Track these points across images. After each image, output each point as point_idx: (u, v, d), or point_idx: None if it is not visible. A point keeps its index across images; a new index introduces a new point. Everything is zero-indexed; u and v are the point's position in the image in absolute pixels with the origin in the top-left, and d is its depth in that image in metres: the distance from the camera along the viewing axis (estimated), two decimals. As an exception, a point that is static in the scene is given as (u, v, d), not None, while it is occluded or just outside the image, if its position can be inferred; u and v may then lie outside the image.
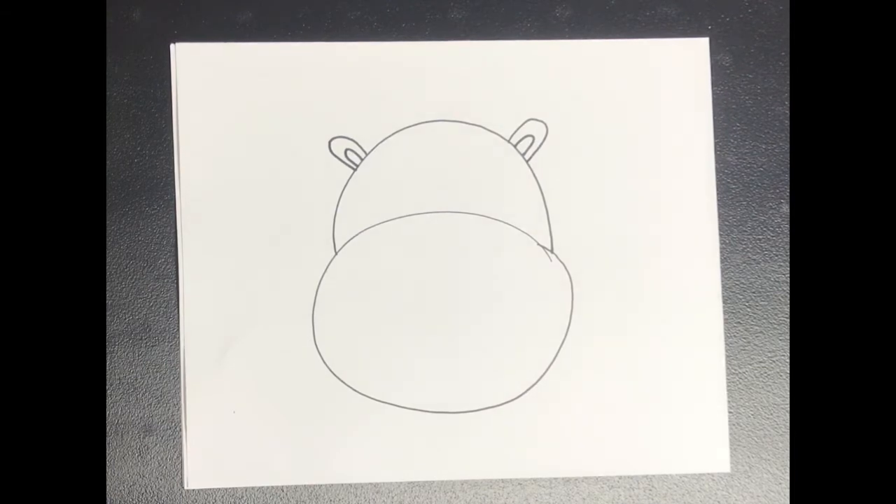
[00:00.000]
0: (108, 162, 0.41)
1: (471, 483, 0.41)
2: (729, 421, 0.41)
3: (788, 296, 0.42)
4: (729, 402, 0.41)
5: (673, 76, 0.42)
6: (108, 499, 0.40)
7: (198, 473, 0.40)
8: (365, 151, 0.41)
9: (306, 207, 0.41)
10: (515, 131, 0.42)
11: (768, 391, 0.42)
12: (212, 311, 0.40)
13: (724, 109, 0.43)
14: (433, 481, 0.41)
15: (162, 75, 0.41)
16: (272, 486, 0.40)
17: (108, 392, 0.40)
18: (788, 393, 0.41)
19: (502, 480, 0.41)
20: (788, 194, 0.42)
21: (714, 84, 0.42)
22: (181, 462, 0.40)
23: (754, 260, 0.42)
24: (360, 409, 0.40)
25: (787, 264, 0.42)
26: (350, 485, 0.40)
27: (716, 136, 0.42)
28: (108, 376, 0.40)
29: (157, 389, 0.41)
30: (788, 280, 0.42)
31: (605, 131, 0.42)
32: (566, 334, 0.41)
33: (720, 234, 0.42)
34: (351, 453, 0.40)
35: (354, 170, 0.41)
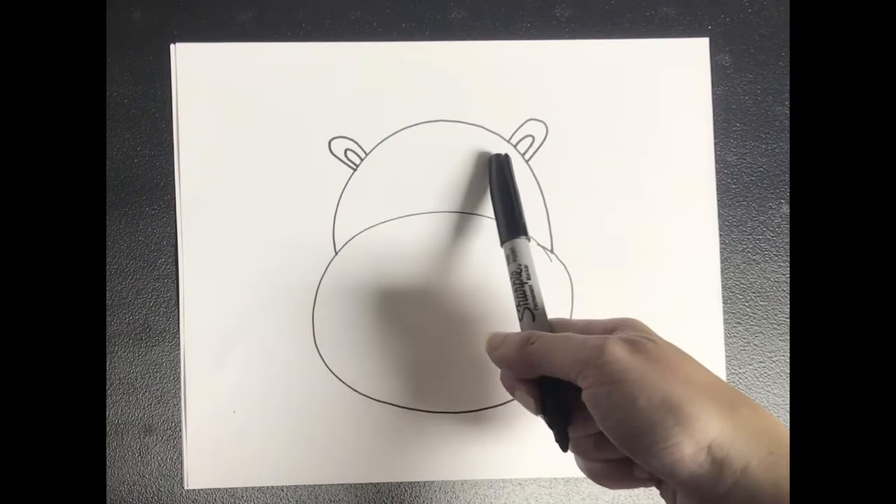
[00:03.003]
0: (108, 162, 0.41)
1: (471, 483, 0.41)
2: (729, 421, 0.41)
3: (788, 296, 0.42)
4: (729, 402, 0.41)
5: (673, 76, 0.42)
6: (108, 499, 0.40)
7: (198, 473, 0.40)
8: (365, 151, 0.41)
9: (306, 207, 0.41)
10: (515, 131, 0.42)
11: (768, 391, 0.42)
12: (212, 311, 0.41)
13: (724, 109, 0.43)
14: (433, 481, 0.41)
15: (162, 75, 0.41)
16: (272, 486, 0.40)
17: (108, 392, 0.40)
18: (788, 393, 0.41)
19: (502, 480, 0.41)
20: (788, 194, 0.42)
21: (714, 84, 0.42)
22: (181, 462, 0.40)
23: (754, 260, 0.42)
24: (360, 409, 0.40)
25: (787, 264, 0.42)
26: (350, 485, 0.40)
27: (716, 136, 0.42)
28: (108, 376, 0.40)
29: (157, 389, 0.41)
30: (788, 280, 0.42)
31: (605, 131, 0.42)
32: (566, 334, 0.41)
33: (720, 234, 0.42)
34: (351, 453, 0.40)
35: (354, 170, 0.41)
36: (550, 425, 0.32)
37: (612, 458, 0.32)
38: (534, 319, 0.35)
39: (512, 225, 0.37)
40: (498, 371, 0.34)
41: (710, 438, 0.26)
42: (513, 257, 0.36)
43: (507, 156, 0.40)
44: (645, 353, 0.28)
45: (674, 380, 0.27)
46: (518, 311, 0.35)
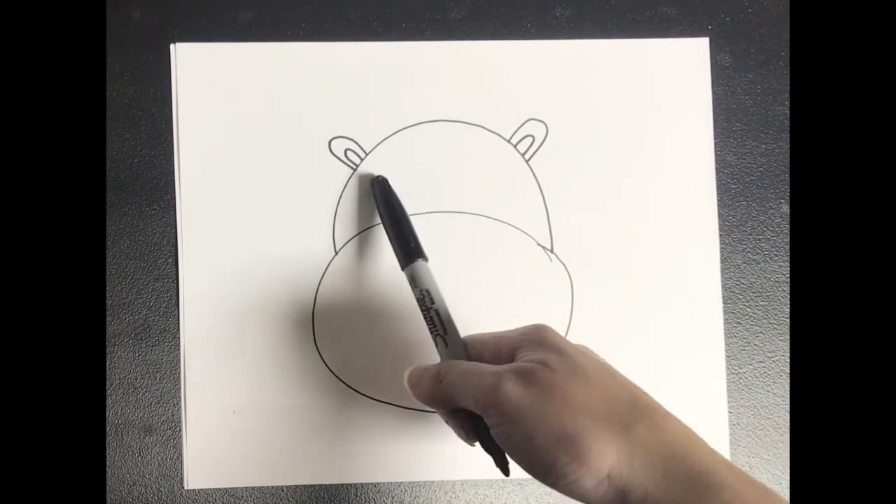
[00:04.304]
0: (108, 162, 0.41)
1: (471, 483, 0.41)
2: (729, 421, 0.41)
3: (788, 296, 0.42)
4: (729, 402, 0.41)
5: (673, 76, 0.42)
6: (108, 499, 0.40)
7: (198, 473, 0.40)
8: (365, 151, 0.41)
9: (306, 207, 0.41)
10: (515, 131, 0.42)
11: (768, 391, 0.42)
12: (212, 311, 0.40)
13: (724, 109, 0.43)
14: (433, 481, 0.41)
15: (162, 75, 0.41)
16: (272, 486, 0.40)
17: (108, 392, 0.40)
18: (788, 393, 0.41)
19: (502, 480, 0.41)
20: (788, 194, 0.42)
21: (714, 84, 0.42)
22: (181, 462, 0.40)
23: (754, 260, 0.42)
24: (360, 409, 0.40)
25: (787, 264, 0.42)
26: (350, 485, 0.40)
27: (716, 136, 0.42)
28: (108, 376, 0.40)
29: (157, 389, 0.41)
30: (788, 280, 0.42)
31: (604, 131, 0.42)
32: (566, 334, 0.41)
33: (720, 234, 0.42)
34: (351, 453, 0.40)
35: (354, 170, 0.41)
36: (488, 452, 0.32)
37: None
38: (446, 345, 0.35)
39: (406, 250, 0.37)
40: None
41: (606, 469, 0.26)
42: (414, 283, 0.36)
43: (383, 178, 0.40)
44: (537, 386, 0.28)
45: (566, 411, 0.27)
46: (432, 337, 0.35)
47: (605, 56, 0.42)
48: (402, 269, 0.37)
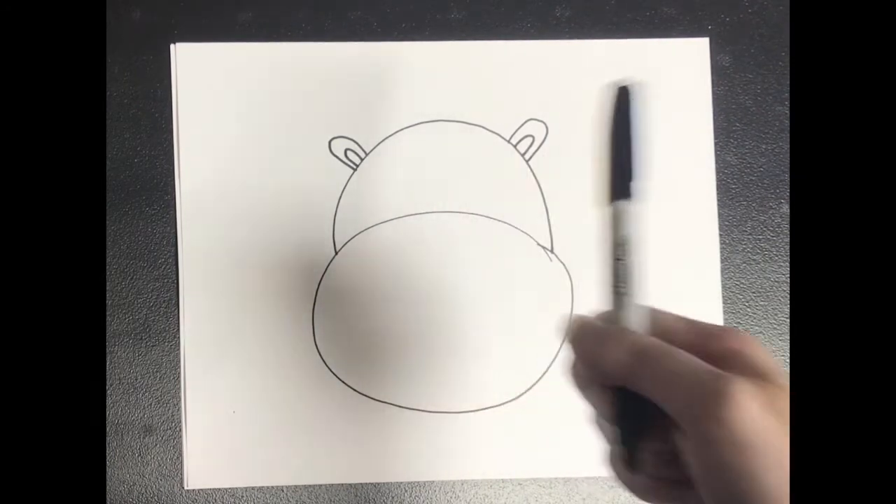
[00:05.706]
0: (108, 162, 0.41)
1: (471, 483, 0.41)
2: (729, 421, 0.41)
3: (788, 296, 0.42)
4: (729, 402, 0.41)
5: (673, 76, 0.42)
6: (108, 499, 0.40)
7: (198, 473, 0.40)
8: (365, 151, 0.41)
9: (306, 207, 0.41)
10: (515, 131, 0.42)
11: (768, 391, 0.41)
12: (212, 311, 0.40)
13: (724, 109, 0.43)
14: (433, 481, 0.41)
15: (162, 75, 0.41)
16: (272, 486, 0.40)
17: (108, 392, 0.40)
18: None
19: (502, 480, 0.41)
20: (788, 194, 0.42)
21: (714, 84, 0.42)
22: (181, 462, 0.40)
23: (754, 260, 0.42)
24: (360, 409, 0.40)
25: (787, 264, 0.42)
26: (350, 485, 0.40)
27: (716, 136, 0.42)
28: (108, 376, 0.40)
29: (157, 389, 0.41)
30: (788, 280, 0.42)
31: (605, 131, 0.42)
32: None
33: (720, 234, 0.42)
34: (351, 453, 0.40)
35: (354, 170, 0.41)
36: (622, 441, 0.26)
37: (673, 479, 0.26)
38: (623, 306, 0.28)
39: (622, 181, 0.29)
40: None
41: None
42: (614, 224, 0.29)
43: (632, 88, 0.30)
44: (778, 415, 0.22)
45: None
46: (609, 290, 0.28)
47: (605, 56, 0.42)
48: (606, 203, 0.29)
